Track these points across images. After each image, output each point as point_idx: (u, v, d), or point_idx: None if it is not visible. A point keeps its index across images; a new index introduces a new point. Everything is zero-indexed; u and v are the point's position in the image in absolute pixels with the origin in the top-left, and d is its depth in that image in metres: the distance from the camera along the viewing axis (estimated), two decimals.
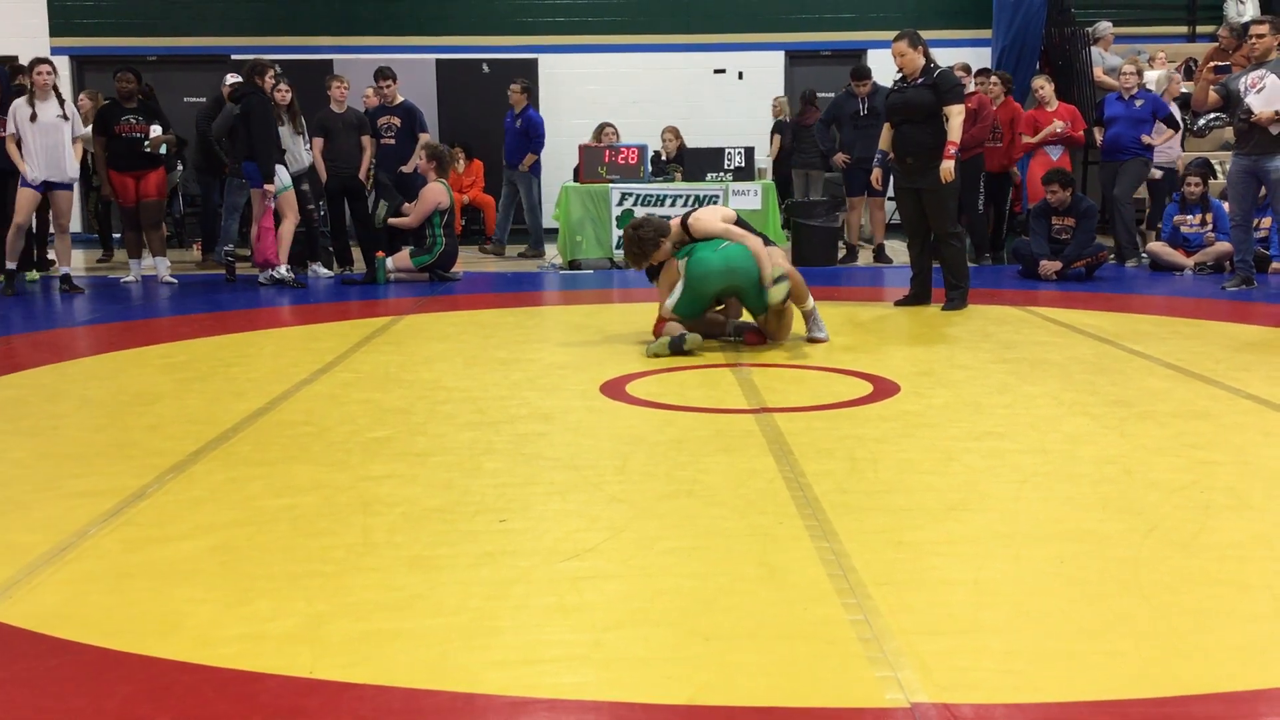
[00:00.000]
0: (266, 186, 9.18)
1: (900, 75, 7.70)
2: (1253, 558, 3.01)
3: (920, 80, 7.51)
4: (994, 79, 10.70)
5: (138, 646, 2.53)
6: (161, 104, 10.30)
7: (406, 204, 9.71)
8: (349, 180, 10.34)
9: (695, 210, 6.61)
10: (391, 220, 9.71)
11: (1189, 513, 3.36)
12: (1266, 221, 9.29)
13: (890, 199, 11.36)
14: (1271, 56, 8.13)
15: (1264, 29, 8.14)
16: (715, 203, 10.03)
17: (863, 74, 10.72)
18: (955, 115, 7.45)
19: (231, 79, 10.47)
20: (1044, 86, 10.52)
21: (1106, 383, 5.21)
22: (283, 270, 9.31)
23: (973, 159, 9.86)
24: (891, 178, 8.10)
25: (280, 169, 9.30)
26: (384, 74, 10.88)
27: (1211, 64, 10.70)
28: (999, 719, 2.18)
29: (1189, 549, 3.07)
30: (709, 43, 14.66)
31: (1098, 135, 10.43)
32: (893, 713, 2.20)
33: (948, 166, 7.40)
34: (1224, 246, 9.43)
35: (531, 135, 11.61)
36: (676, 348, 6.00)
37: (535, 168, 11.73)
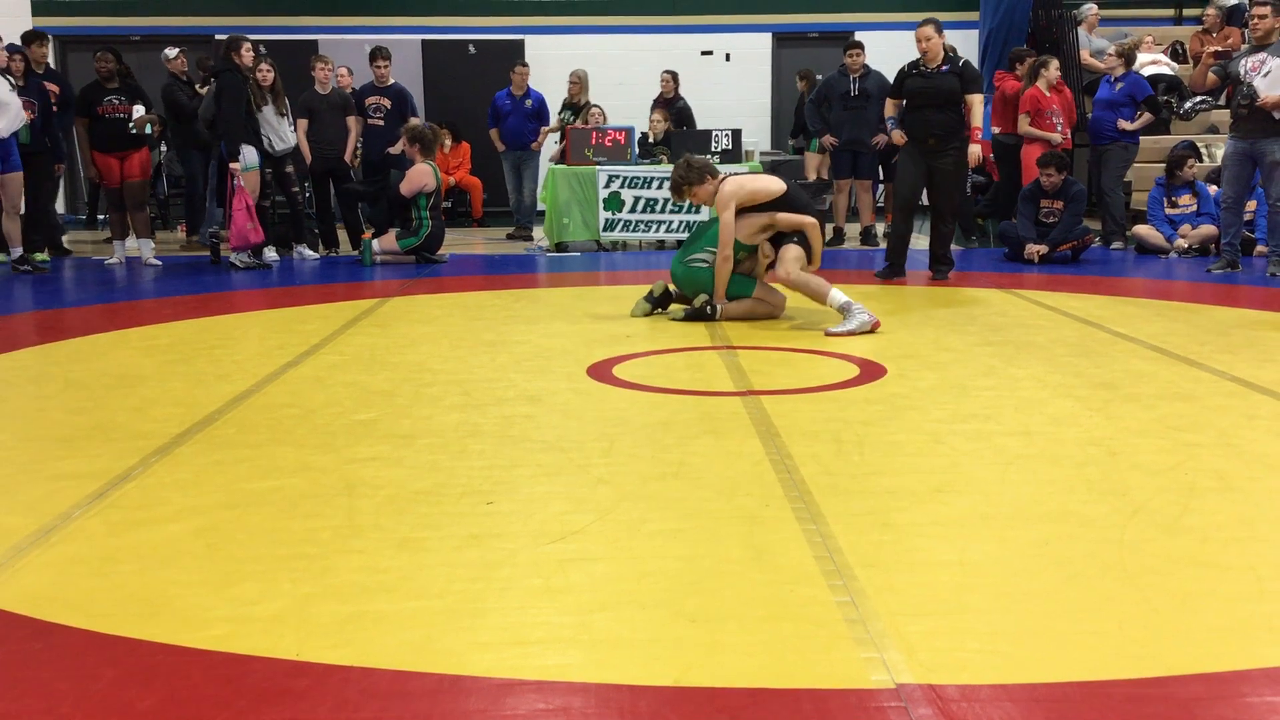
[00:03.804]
0: (232, 165, 9.11)
1: (916, 60, 8.19)
2: (1236, 539, 3.02)
3: (945, 68, 8.04)
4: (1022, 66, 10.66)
5: (123, 629, 2.52)
6: (145, 84, 10.23)
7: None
8: (334, 162, 10.29)
9: (762, 184, 6.64)
10: (348, 187, 9.77)
11: (1173, 495, 3.38)
12: (1252, 204, 9.31)
13: (880, 182, 11.39)
14: (1273, 39, 8.07)
15: (1265, 10, 8.07)
16: None
17: (856, 45, 10.72)
18: (978, 104, 8.09)
19: (174, 52, 10.53)
20: (1055, 71, 10.42)
21: (1091, 365, 5.23)
22: (245, 256, 9.24)
23: None
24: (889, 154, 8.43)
25: (248, 149, 9.20)
26: (379, 53, 10.83)
27: (1213, 49, 10.68)
28: (984, 699, 2.19)
29: (1173, 531, 3.09)
30: (696, 24, 14.62)
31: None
32: (878, 693, 2.21)
33: (976, 151, 8.09)
34: (1208, 229, 9.46)
35: (544, 114, 11.58)
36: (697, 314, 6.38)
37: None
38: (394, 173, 9.98)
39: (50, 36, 10.34)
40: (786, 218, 6.48)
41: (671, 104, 11.89)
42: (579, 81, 11.59)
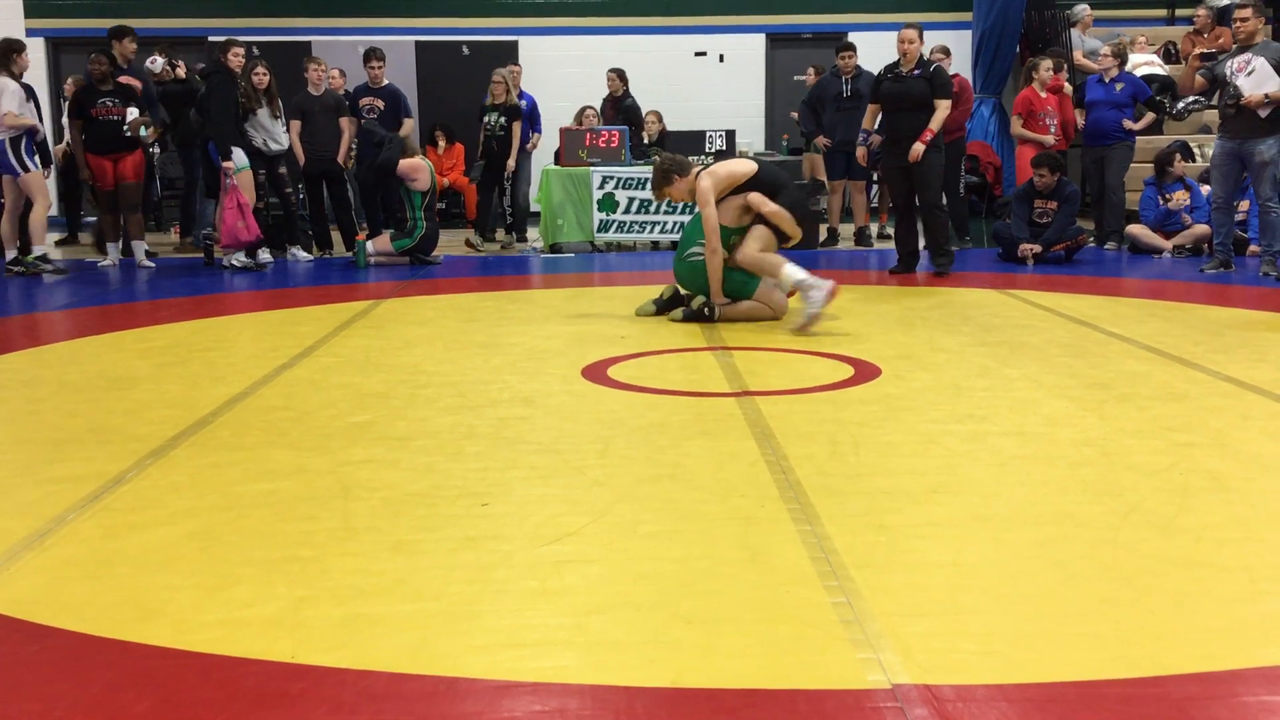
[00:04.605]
0: (225, 164, 9.09)
1: (894, 62, 8.51)
2: (1230, 539, 3.03)
3: (918, 72, 8.38)
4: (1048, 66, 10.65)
5: (118, 632, 2.52)
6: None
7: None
8: (327, 163, 10.27)
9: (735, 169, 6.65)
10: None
11: (1167, 495, 3.39)
12: (1244, 205, 9.33)
13: (875, 182, 11.41)
14: (1257, 39, 8.15)
15: (1248, 12, 8.16)
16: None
17: (848, 46, 10.73)
18: (942, 109, 8.39)
19: (158, 65, 10.48)
20: (1046, 71, 10.41)
21: (1086, 366, 5.24)
22: (241, 257, 9.22)
23: (954, 142, 9.90)
24: (876, 159, 8.83)
25: (238, 150, 9.19)
26: (373, 55, 10.81)
27: (1199, 51, 10.72)
28: (979, 700, 2.19)
29: (1167, 531, 3.09)
30: (690, 25, 14.62)
31: (1079, 118, 10.42)
32: (874, 694, 2.21)
33: (918, 149, 8.28)
34: (1202, 229, 9.47)
35: (535, 117, 11.53)
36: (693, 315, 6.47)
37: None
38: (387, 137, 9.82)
39: (134, 31, 10.18)
40: (757, 198, 6.50)
41: (620, 102, 11.67)
42: (502, 81, 10.78)
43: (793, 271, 6.27)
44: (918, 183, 8.48)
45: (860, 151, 8.81)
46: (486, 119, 10.78)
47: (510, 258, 10.38)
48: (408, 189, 9.40)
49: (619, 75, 11.90)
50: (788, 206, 6.57)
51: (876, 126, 8.75)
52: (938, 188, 8.71)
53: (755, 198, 6.51)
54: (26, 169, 8.92)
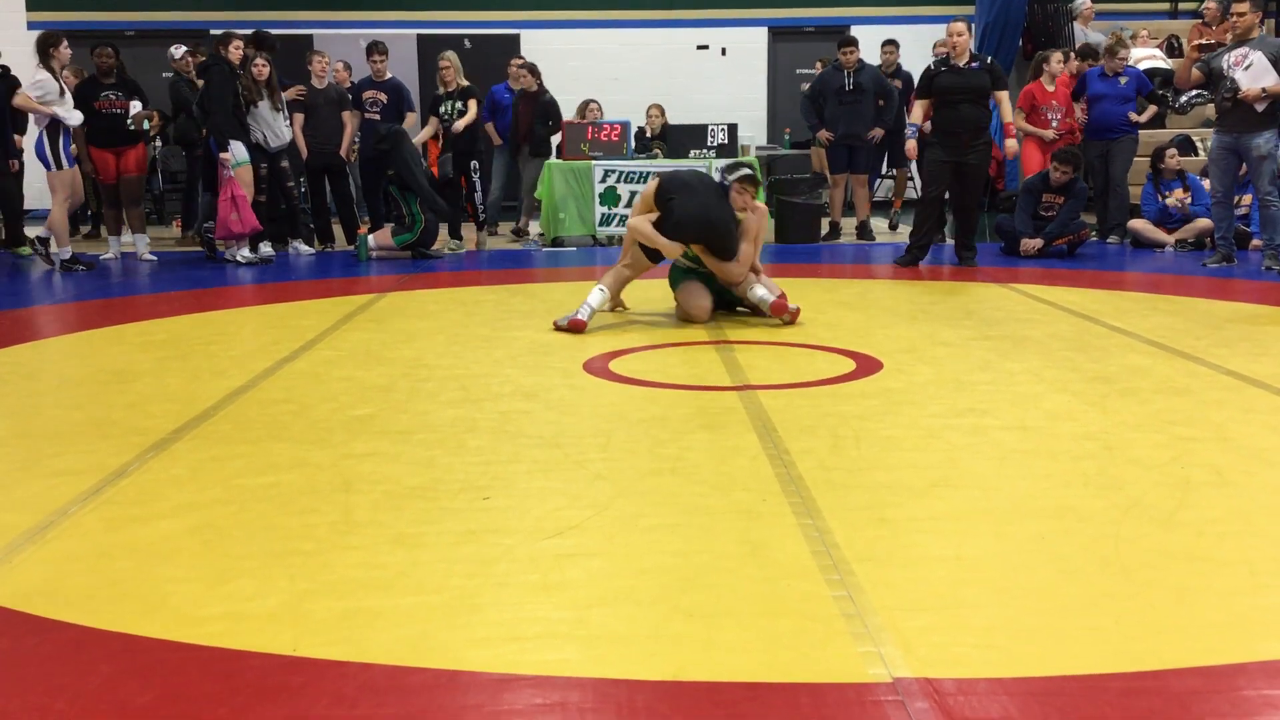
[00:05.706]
0: (222, 155, 9.08)
1: (943, 57, 8.68)
2: (1231, 533, 3.03)
3: (975, 65, 8.51)
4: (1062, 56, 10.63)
5: (120, 625, 2.52)
6: (140, 80, 10.20)
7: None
8: (330, 157, 10.26)
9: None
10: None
11: (1168, 489, 3.39)
12: (1246, 199, 9.32)
13: (881, 175, 11.40)
14: (1254, 34, 8.18)
15: (1245, 7, 8.20)
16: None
17: (850, 41, 10.67)
18: (1006, 100, 8.68)
19: (179, 51, 10.45)
20: (1058, 63, 10.36)
21: (1087, 360, 5.23)
22: (245, 252, 9.22)
23: None
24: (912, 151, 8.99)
25: (236, 144, 9.18)
26: (376, 48, 10.78)
27: (1196, 42, 10.70)
28: (980, 693, 2.19)
29: (1168, 525, 3.09)
30: (692, 19, 14.61)
31: (1079, 112, 10.39)
32: (875, 687, 2.22)
33: (1012, 145, 8.74)
34: (1204, 223, 9.46)
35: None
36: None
37: None
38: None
39: (249, 34, 10.05)
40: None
41: (536, 98, 10.96)
42: (450, 64, 10.21)
43: (593, 296, 6.24)
44: (970, 181, 8.63)
45: (910, 145, 8.90)
46: (443, 109, 10.27)
47: (511, 252, 10.36)
48: (401, 189, 9.42)
49: (530, 70, 11.19)
50: (673, 215, 6.25)
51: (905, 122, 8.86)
52: (983, 189, 9.05)
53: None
54: (61, 165, 8.90)
